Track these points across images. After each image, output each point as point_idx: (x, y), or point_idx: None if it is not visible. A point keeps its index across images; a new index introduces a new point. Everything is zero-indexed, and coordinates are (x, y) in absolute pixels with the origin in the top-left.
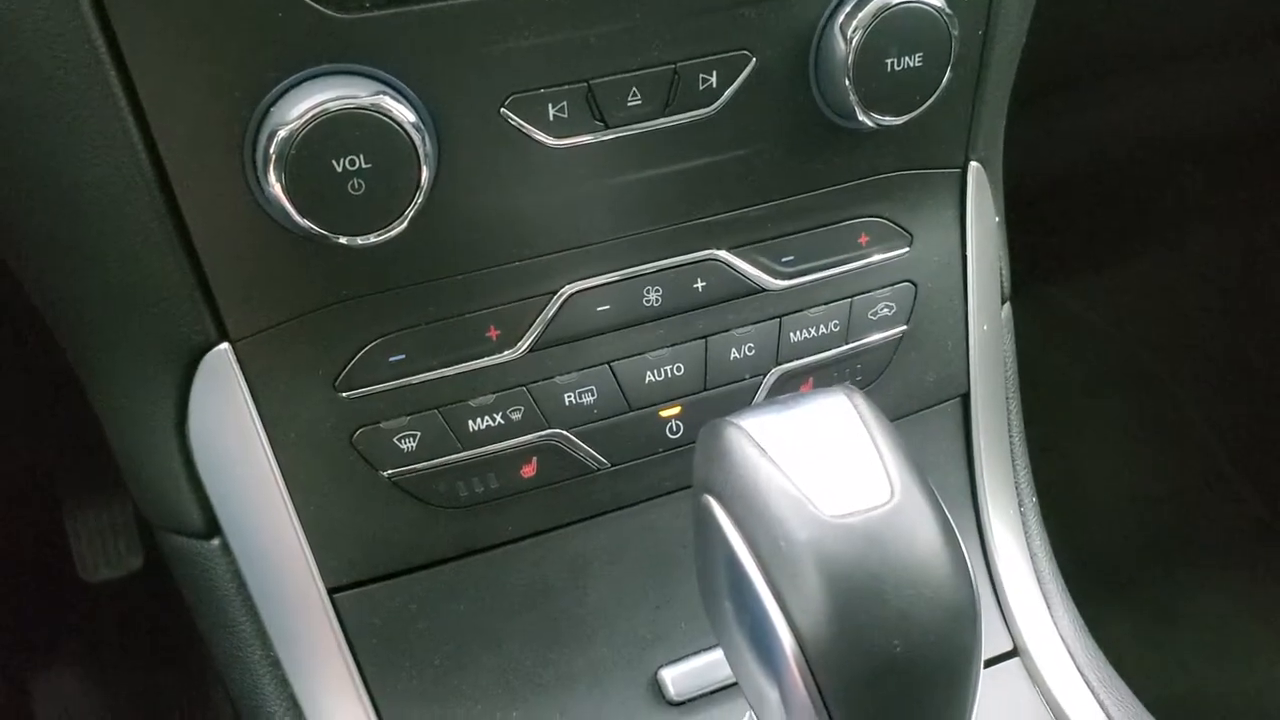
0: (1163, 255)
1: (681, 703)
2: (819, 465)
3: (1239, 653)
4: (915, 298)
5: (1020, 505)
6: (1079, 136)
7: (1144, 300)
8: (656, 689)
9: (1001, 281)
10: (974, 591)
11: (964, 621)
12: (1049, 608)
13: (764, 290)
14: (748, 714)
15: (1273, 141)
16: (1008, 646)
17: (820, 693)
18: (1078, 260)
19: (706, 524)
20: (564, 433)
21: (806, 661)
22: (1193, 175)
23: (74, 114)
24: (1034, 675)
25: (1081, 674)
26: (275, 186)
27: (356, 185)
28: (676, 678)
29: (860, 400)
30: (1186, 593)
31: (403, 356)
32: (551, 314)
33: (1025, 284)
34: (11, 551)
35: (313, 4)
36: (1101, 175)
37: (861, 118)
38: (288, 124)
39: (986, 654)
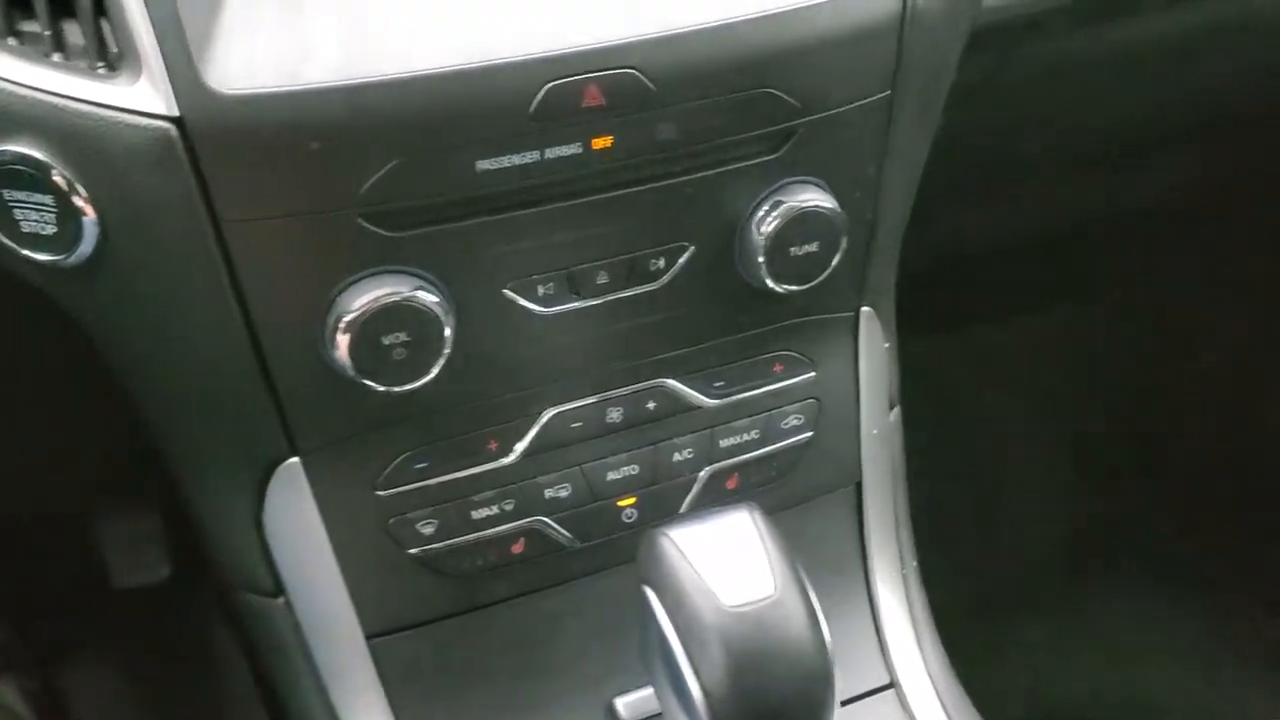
0: (1081, 309)
1: None
2: (724, 567)
3: (1140, 664)
4: (819, 411)
5: (903, 568)
6: (1007, 219)
7: (1063, 344)
8: (611, 713)
9: (890, 392)
10: (828, 661)
11: (820, 682)
12: (920, 650)
13: (700, 408)
14: None
15: (1154, 224)
16: (886, 680)
17: None
18: (1004, 311)
19: (645, 607)
20: (545, 519)
21: (710, 707)
22: (1103, 247)
23: (195, 307)
24: (904, 703)
25: (941, 701)
26: (341, 352)
27: (399, 353)
28: (626, 704)
29: (758, 516)
30: (1096, 608)
31: (425, 464)
32: (536, 430)
33: (958, 325)
34: (46, 556)
35: (372, 228)
36: (1028, 246)
37: (773, 286)
38: (351, 311)
39: (868, 686)
